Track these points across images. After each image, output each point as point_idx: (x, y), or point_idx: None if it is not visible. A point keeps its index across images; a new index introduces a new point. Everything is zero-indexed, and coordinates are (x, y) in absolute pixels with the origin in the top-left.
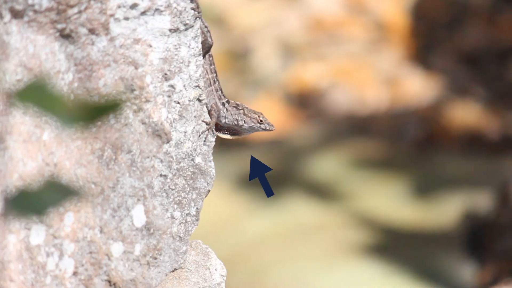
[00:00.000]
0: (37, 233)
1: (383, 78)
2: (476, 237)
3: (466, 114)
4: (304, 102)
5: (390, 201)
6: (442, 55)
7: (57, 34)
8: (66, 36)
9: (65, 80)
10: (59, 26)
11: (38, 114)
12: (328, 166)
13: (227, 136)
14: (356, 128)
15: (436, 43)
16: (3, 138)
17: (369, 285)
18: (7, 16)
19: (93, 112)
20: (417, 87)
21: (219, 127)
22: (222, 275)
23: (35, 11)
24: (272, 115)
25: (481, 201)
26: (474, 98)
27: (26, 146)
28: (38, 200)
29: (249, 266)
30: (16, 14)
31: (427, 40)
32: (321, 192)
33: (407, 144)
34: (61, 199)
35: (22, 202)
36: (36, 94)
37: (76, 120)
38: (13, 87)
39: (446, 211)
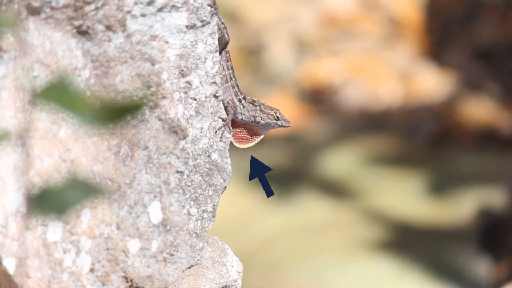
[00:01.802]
0: (54, 230)
1: (397, 74)
2: (490, 233)
3: (480, 110)
4: (318, 98)
5: (404, 197)
6: (456, 50)
7: (74, 30)
8: (83, 32)
9: (81, 77)
10: (76, 23)
11: (61, 112)
12: (342, 162)
13: (241, 146)
14: (369, 124)
15: (450, 39)
16: (23, 135)
17: (383, 281)
18: (24, 13)
19: (115, 112)
20: (431, 83)
21: (235, 124)
22: (238, 272)
23: (52, 8)
24: (286, 111)
25: (496, 197)
26: (488, 94)
27: (43, 142)
28: (60, 198)
29: (264, 262)
30: (33, 11)
31: (441, 36)
32: (335, 188)
33: (421, 140)
34: (83, 198)
35: (45, 200)
36: (59, 93)
37: (98, 120)
38: (36, 84)
39: (460, 207)
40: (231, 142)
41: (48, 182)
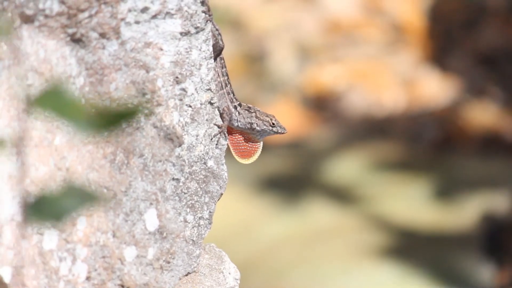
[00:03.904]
0: (50, 238)
1: (400, 79)
2: (494, 238)
3: (484, 115)
4: (321, 104)
5: (408, 203)
6: (459, 56)
7: (68, 38)
8: (77, 40)
9: (76, 85)
10: (70, 31)
11: (56, 119)
12: (346, 168)
13: (245, 161)
14: (373, 130)
15: (453, 44)
16: (18, 144)
17: (387, 287)
18: (18, 21)
19: (110, 118)
20: (434, 88)
21: (231, 131)
22: (236, 279)
23: (46, 16)
24: (289, 118)
25: (499, 202)
26: (491, 99)
27: (37, 151)
28: (57, 205)
29: (266, 269)
30: (27, 19)
31: (444, 42)
32: (339, 194)
33: (424, 145)
34: (80, 205)
35: (41, 207)
36: (54, 100)
37: (93, 127)
38: (31, 92)
39: (464, 213)
40: (231, 152)
41: (43, 189)
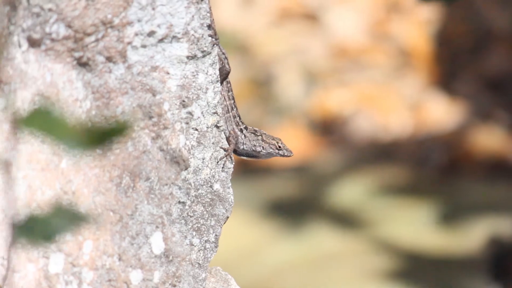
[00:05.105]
0: (56, 262)
1: (406, 104)
2: (500, 263)
3: (490, 139)
4: (328, 128)
5: (414, 227)
6: (466, 80)
7: (75, 62)
8: (83, 64)
9: (82, 108)
10: (77, 55)
11: (44, 138)
12: (352, 192)
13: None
14: (379, 154)
15: (460, 69)
16: (13, 166)
17: None
18: (25, 45)
19: (99, 135)
20: (441, 112)
21: (237, 153)
22: None
23: (53, 40)
24: (296, 142)
25: (506, 226)
26: (497, 123)
27: (44, 174)
28: (46, 226)
29: None
30: (34, 43)
31: (450, 66)
32: (345, 218)
33: (431, 170)
34: (70, 225)
35: (30, 228)
36: (42, 119)
37: (83, 144)
38: (21, 113)
39: (470, 237)
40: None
41: (32, 210)
